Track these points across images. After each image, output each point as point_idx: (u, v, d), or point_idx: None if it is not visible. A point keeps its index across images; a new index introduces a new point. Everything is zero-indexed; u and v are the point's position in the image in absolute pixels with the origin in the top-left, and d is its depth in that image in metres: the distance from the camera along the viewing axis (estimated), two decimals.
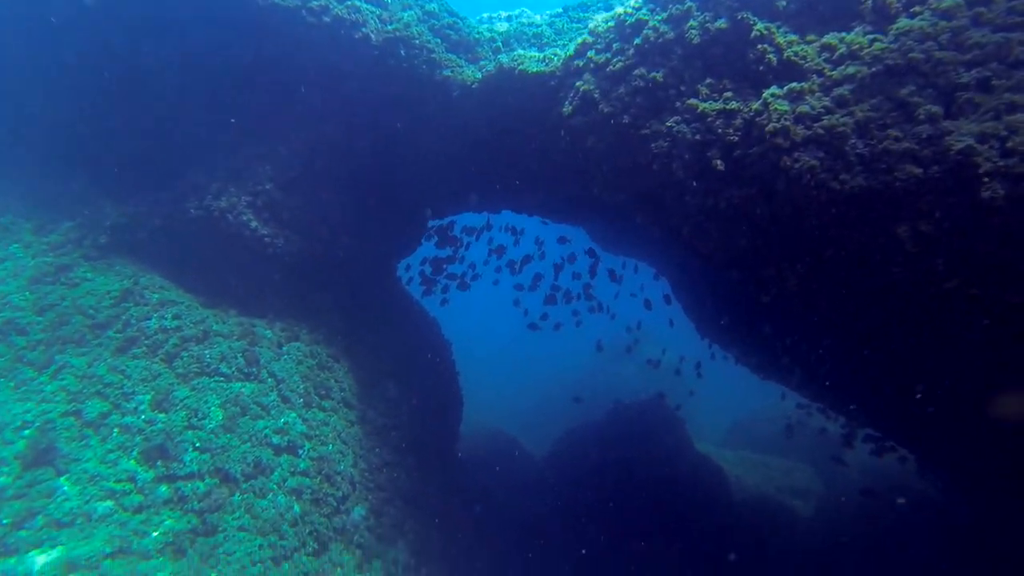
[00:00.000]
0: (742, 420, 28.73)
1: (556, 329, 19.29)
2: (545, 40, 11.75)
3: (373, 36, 11.06)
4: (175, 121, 12.23)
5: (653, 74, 8.08)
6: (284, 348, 11.72)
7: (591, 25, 9.21)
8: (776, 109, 7.01)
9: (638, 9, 8.52)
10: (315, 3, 10.99)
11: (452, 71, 11.25)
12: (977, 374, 8.39)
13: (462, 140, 12.06)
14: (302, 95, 12.27)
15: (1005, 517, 10.34)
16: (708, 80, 7.99)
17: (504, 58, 10.32)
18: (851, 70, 6.76)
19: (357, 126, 12.53)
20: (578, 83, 8.94)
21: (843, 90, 6.76)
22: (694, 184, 7.99)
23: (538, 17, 12.54)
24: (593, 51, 8.93)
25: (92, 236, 11.41)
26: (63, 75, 11.77)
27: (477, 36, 11.77)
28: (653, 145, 8.13)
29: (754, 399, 27.99)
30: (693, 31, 7.92)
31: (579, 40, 9.29)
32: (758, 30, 7.55)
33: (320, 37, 11.19)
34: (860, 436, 13.20)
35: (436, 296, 15.44)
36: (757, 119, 7.25)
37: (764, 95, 7.27)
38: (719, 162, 7.55)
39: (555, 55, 9.80)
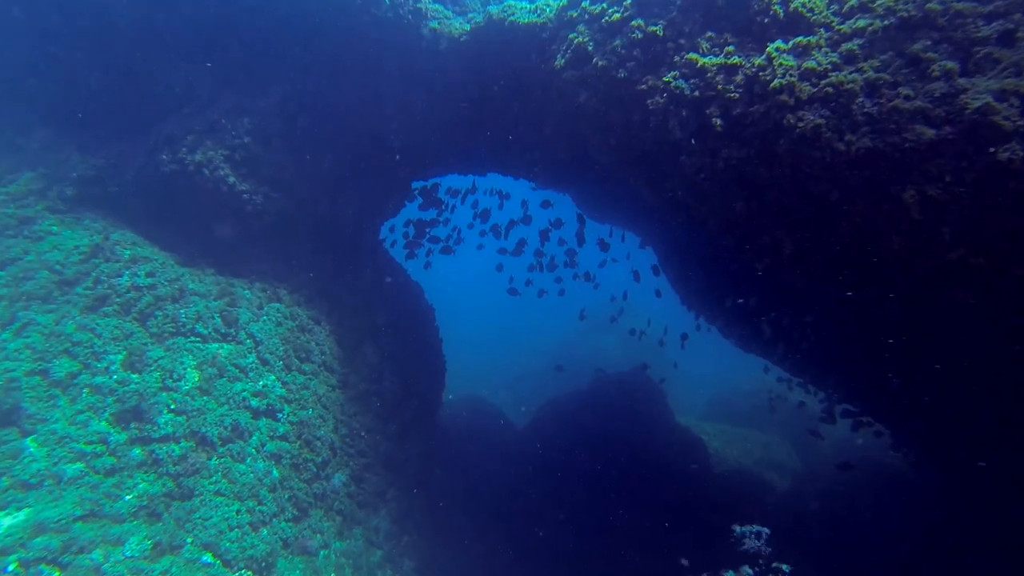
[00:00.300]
0: (721, 394, 28.95)
1: (539, 296, 19.03)
2: None
3: None
4: (148, 67, 11.59)
5: (652, 27, 7.64)
6: (264, 309, 11.33)
7: None
8: (781, 64, 6.63)
9: None
10: None
11: (439, 23, 10.71)
12: (970, 348, 8.24)
13: (450, 96, 11.56)
14: (283, 46, 11.66)
15: (972, 489, 10.37)
16: (709, 33, 7.57)
17: (494, 8, 9.80)
18: (861, 23, 6.38)
19: (341, 80, 11.96)
20: (571, 35, 8.48)
21: (852, 45, 6.38)
22: (691, 143, 7.63)
23: None
24: (588, 1, 8.44)
25: (57, 188, 10.85)
26: (24, 11, 11.04)
27: None
28: (649, 101, 7.73)
29: (733, 373, 28.12)
30: None
31: None
32: None
33: None
34: (838, 411, 13.23)
35: (419, 259, 15.04)
36: (760, 75, 6.87)
37: (768, 50, 6.87)
38: (718, 120, 7.18)
39: (547, 5, 9.30)
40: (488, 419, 20.56)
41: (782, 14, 6.98)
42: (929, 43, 5.91)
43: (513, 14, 9.44)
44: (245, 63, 11.54)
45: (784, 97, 6.48)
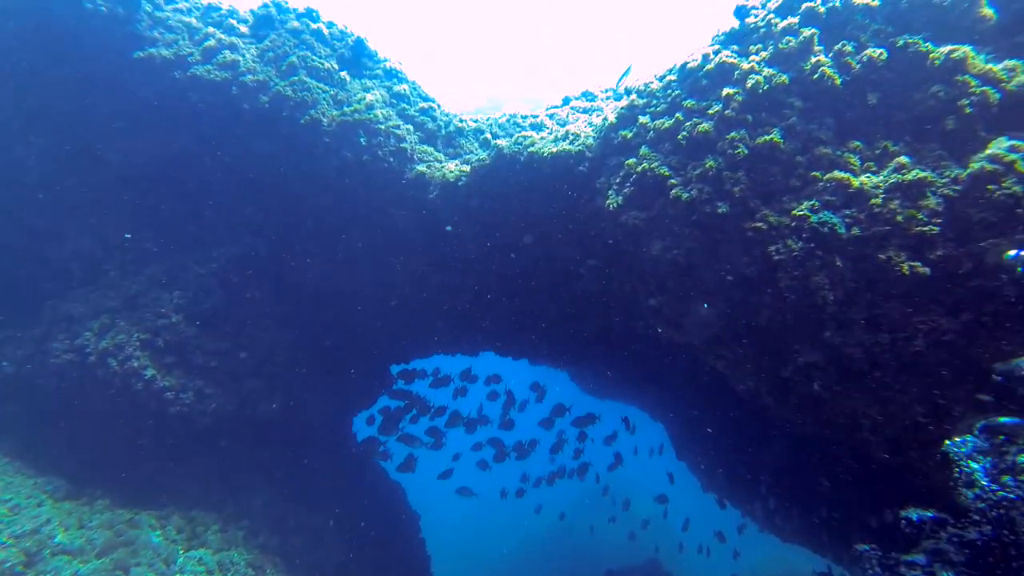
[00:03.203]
0: None
1: (536, 512, 16.63)
2: (547, 130, 8.49)
3: (324, 120, 7.62)
4: (50, 231, 8.36)
5: (767, 136, 4.64)
6: (178, 562, 7.20)
7: (635, 84, 5.91)
8: None
9: (717, 50, 5.24)
10: (249, 77, 7.59)
11: (428, 166, 7.79)
12: None
13: (441, 261, 8.39)
14: (228, 201, 8.62)
15: None
16: (854, 143, 4.59)
17: (505, 142, 6.90)
18: None
19: (303, 243, 8.82)
20: (629, 161, 5.46)
21: None
22: (849, 309, 4.36)
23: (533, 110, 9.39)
24: (647, 115, 5.53)
25: None
26: None
27: (460, 124, 8.47)
28: (773, 248, 4.55)
29: (749, 551, 23.47)
30: (825, 68, 4.59)
31: (621, 104, 5.93)
32: (941, 56, 4.27)
33: (254, 121, 7.72)
34: None
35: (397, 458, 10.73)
36: (992, 192, 3.78)
37: (992, 151, 3.85)
38: (916, 265, 3.97)
39: (581, 132, 6.41)
40: None
41: (995, 100, 4.04)
42: None
43: (533, 144, 6.52)
44: (179, 222, 8.39)
45: None
